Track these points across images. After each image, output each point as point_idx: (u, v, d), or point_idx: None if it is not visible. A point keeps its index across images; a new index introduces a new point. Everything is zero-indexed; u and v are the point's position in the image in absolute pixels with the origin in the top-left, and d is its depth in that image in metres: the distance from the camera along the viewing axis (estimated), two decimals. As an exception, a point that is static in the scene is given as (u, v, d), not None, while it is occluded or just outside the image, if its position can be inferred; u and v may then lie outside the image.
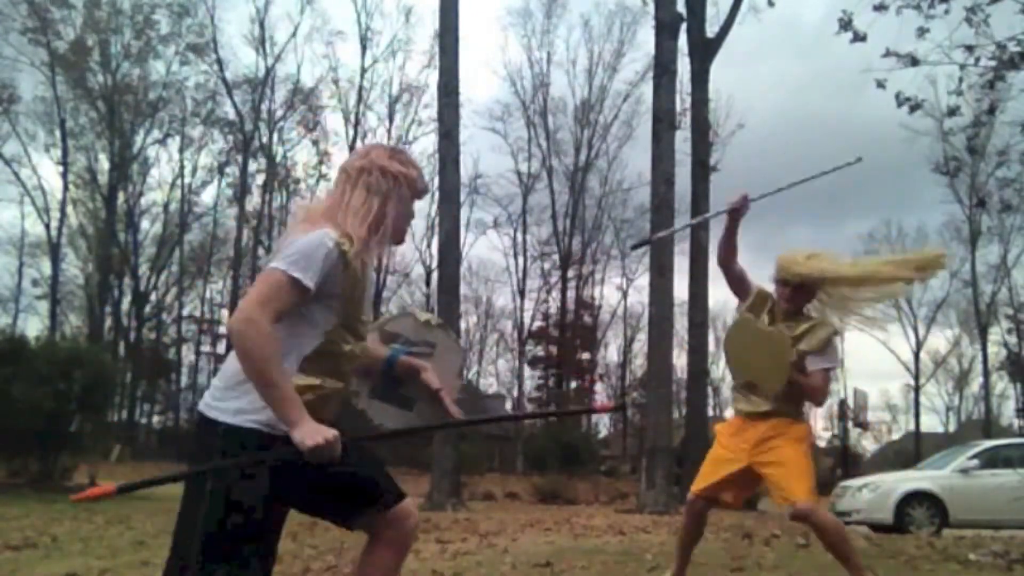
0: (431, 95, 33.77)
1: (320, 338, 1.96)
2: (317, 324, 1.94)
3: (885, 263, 3.76)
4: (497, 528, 7.89)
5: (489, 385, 44.69)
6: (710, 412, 18.01)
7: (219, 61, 36.80)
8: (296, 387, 1.88)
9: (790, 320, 3.66)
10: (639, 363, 40.37)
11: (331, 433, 1.83)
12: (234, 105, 37.49)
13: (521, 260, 39.84)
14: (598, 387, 43.02)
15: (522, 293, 39.59)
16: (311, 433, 1.80)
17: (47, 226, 36.84)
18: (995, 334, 38.93)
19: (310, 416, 1.84)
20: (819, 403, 3.73)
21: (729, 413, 4.00)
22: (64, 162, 35.66)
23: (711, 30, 18.05)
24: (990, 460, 12.31)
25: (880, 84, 9.48)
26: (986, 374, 38.92)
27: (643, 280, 28.30)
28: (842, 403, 38.46)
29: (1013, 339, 38.84)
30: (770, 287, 3.78)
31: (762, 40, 46.47)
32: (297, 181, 39.93)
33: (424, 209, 37.78)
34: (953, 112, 9.77)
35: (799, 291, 3.66)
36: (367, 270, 2.04)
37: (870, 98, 49.46)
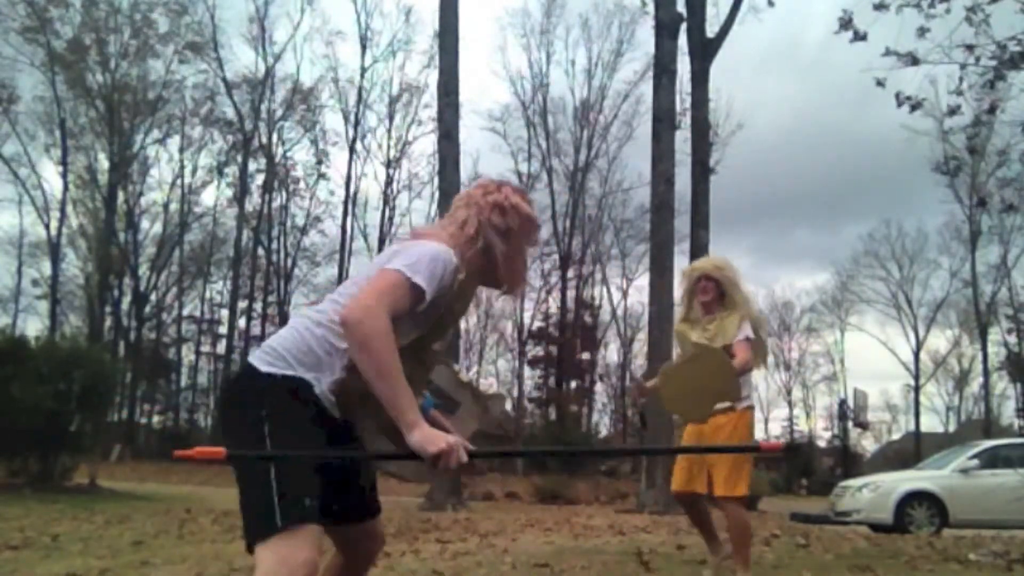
0: (431, 95, 33.82)
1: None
2: (399, 334, 1.81)
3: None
4: (497, 528, 7.90)
5: (489, 385, 44.73)
6: (710, 412, 17.93)
7: (219, 60, 36.85)
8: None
9: (708, 317, 4.24)
10: (639, 363, 40.38)
11: (453, 439, 1.75)
12: (234, 105, 37.52)
13: (520, 260, 39.78)
14: (598, 387, 43.06)
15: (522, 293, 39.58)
16: (434, 437, 1.73)
17: (47, 226, 36.90)
18: (995, 334, 39.00)
19: None
20: (750, 369, 4.15)
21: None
22: (64, 162, 35.66)
23: (711, 30, 18.04)
24: (990, 460, 12.31)
25: (880, 83, 9.48)
26: (986, 374, 38.93)
27: (643, 280, 28.31)
28: (842, 403, 38.44)
29: (1013, 339, 38.87)
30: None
31: (765, 55, 46.66)
32: (297, 181, 40.01)
33: (424, 209, 37.77)
34: (953, 112, 9.77)
35: (718, 286, 4.24)
36: (463, 303, 2.04)
37: (870, 107, 49.63)
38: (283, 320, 39.22)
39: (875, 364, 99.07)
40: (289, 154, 39.84)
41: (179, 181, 39.40)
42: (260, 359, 1.89)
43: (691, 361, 3.80)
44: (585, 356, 40.68)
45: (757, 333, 4.16)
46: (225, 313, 40.51)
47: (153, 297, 40.19)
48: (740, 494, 4.04)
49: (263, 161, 38.95)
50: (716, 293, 4.23)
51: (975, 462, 12.17)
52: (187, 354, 43.36)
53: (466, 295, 2.03)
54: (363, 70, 37.96)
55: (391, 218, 38.26)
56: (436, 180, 19.83)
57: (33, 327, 37.68)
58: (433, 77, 23.67)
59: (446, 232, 2.03)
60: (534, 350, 40.89)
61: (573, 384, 40.61)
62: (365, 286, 1.82)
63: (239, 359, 38.88)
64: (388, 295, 1.78)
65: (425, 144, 40.48)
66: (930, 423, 49.11)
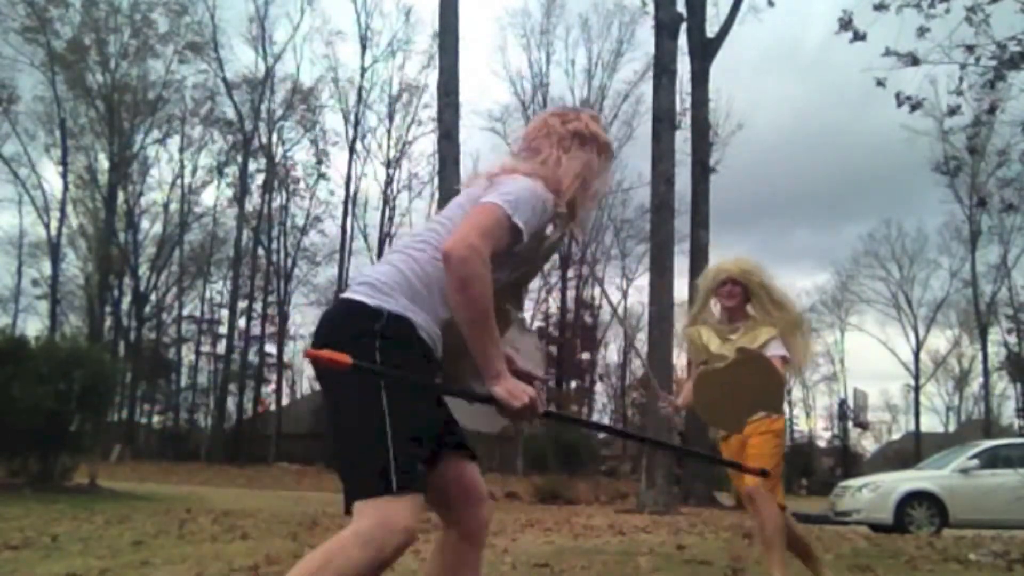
0: (431, 95, 33.84)
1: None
2: (495, 276, 1.73)
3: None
4: (497, 528, 7.88)
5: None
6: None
7: (219, 60, 36.87)
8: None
9: (734, 325, 3.85)
10: (639, 363, 40.40)
11: (533, 393, 1.73)
12: (234, 105, 37.55)
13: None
14: (598, 387, 43.07)
15: (522, 293, 39.63)
16: (518, 391, 1.71)
17: (47, 226, 36.93)
18: (995, 334, 39.00)
19: None
20: (783, 384, 3.77)
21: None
22: (64, 162, 35.68)
23: (711, 30, 18.06)
24: (990, 460, 12.32)
25: (880, 83, 9.49)
26: (986, 374, 38.93)
27: (643, 280, 28.32)
28: (842, 403, 38.49)
29: (1013, 339, 38.87)
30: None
31: (765, 55, 46.66)
32: (297, 181, 40.04)
33: (424, 209, 37.78)
34: (953, 112, 9.79)
35: (744, 290, 3.86)
36: (557, 239, 1.97)
37: (871, 108, 49.62)
38: (283, 320, 39.26)
39: (875, 364, 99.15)
40: (289, 154, 39.93)
41: (179, 181, 39.50)
42: (364, 294, 1.76)
43: (733, 366, 3.45)
44: (585, 356, 40.68)
45: (795, 342, 3.80)
46: (225, 313, 40.55)
47: (153, 297, 40.23)
48: (768, 466, 3.56)
49: (263, 161, 38.98)
50: (742, 299, 3.85)
51: (975, 462, 12.17)
52: (187, 354, 43.46)
53: (560, 235, 1.97)
54: (363, 70, 38.01)
55: (391, 218, 38.34)
56: (436, 180, 19.87)
57: (33, 327, 37.74)
58: (433, 77, 23.65)
59: (527, 164, 1.92)
60: (534, 350, 40.87)
61: (573, 384, 40.61)
62: (467, 220, 1.71)
63: (239, 359, 38.94)
64: (492, 234, 1.70)
65: (425, 144, 40.53)
66: (930, 423, 49.15)
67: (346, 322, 1.77)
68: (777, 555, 3.70)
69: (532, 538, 6.83)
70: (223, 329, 40.57)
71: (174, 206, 39.51)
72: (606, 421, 45.22)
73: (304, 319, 43.05)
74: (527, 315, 40.27)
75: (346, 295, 1.81)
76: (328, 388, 1.77)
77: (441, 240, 1.77)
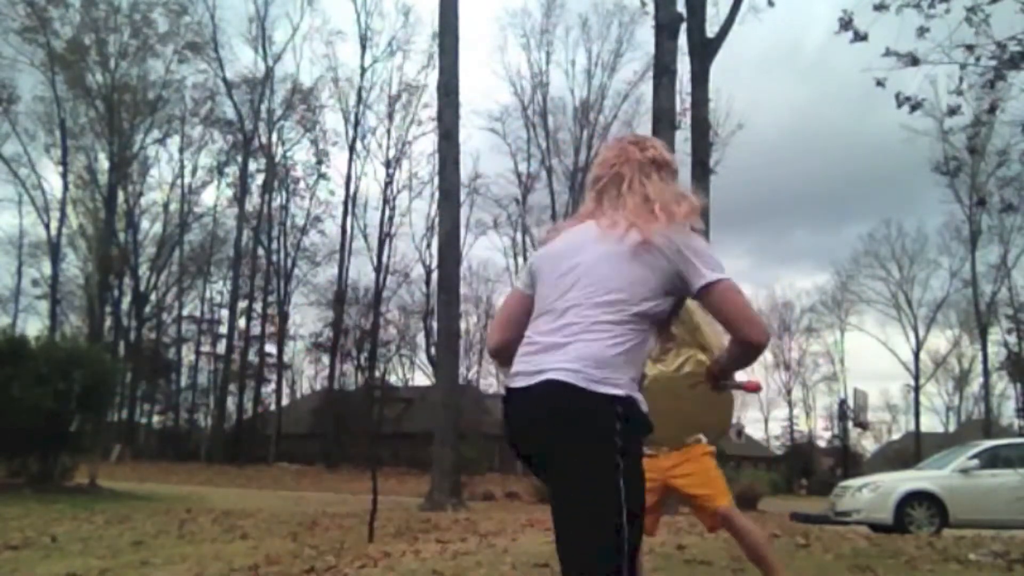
0: (431, 95, 33.88)
1: None
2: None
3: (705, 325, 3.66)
4: (497, 528, 7.89)
5: (489, 385, 44.71)
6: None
7: (219, 60, 36.88)
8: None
9: (664, 346, 3.49)
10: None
11: None
12: (234, 105, 37.59)
13: (521, 260, 39.90)
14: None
15: (522, 293, 39.59)
16: None
17: (47, 226, 36.97)
18: (995, 334, 39.03)
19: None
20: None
21: None
22: (64, 162, 35.71)
23: (711, 30, 18.04)
24: (990, 460, 12.31)
25: (880, 83, 9.48)
26: (986, 374, 38.95)
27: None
28: (842, 403, 38.42)
29: (1013, 339, 38.87)
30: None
31: (765, 56, 46.65)
32: (297, 181, 40.06)
33: (424, 209, 37.78)
34: (953, 112, 9.77)
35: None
36: None
37: (871, 108, 49.72)
38: (283, 320, 39.22)
39: (875, 364, 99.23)
40: (289, 154, 39.96)
41: (179, 181, 39.57)
42: (597, 380, 1.79)
43: (689, 379, 3.23)
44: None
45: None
46: (225, 313, 40.57)
47: (153, 297, 40.24)
48: (720, 489, 3.43)
49: (263, 161, 39.00)
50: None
51: (975, 462, 12.16)
52: (187, 354, 43.46)
53: None
54: (363, 70, 38.06)
55: (391, 218, 38.37)
56: (436, 180, 19.87)
57: (33, 327, 37.75)
58: (433, 77, 23.67)
59: (631, 203, 1.94)
60: (534, 350, 40.82)
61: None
62: (748, 308, 1.85)
63: (239, 359, 38.93)
64: None
65: (425, 144, 40.71)
66: (930, 423, 49.26)
67: (593, 415, 1.78)
68: (773, 566, 3.47)
69: (532, 538, 6.82)
70: (223, 329, 40.64)
71: (174, 206, 39.61)
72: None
73: (304, 319, 43.07)
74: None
75: (568, 381, 1.78)
76: (561, 469, 1.81)
77: (622, 319, 1.83)
